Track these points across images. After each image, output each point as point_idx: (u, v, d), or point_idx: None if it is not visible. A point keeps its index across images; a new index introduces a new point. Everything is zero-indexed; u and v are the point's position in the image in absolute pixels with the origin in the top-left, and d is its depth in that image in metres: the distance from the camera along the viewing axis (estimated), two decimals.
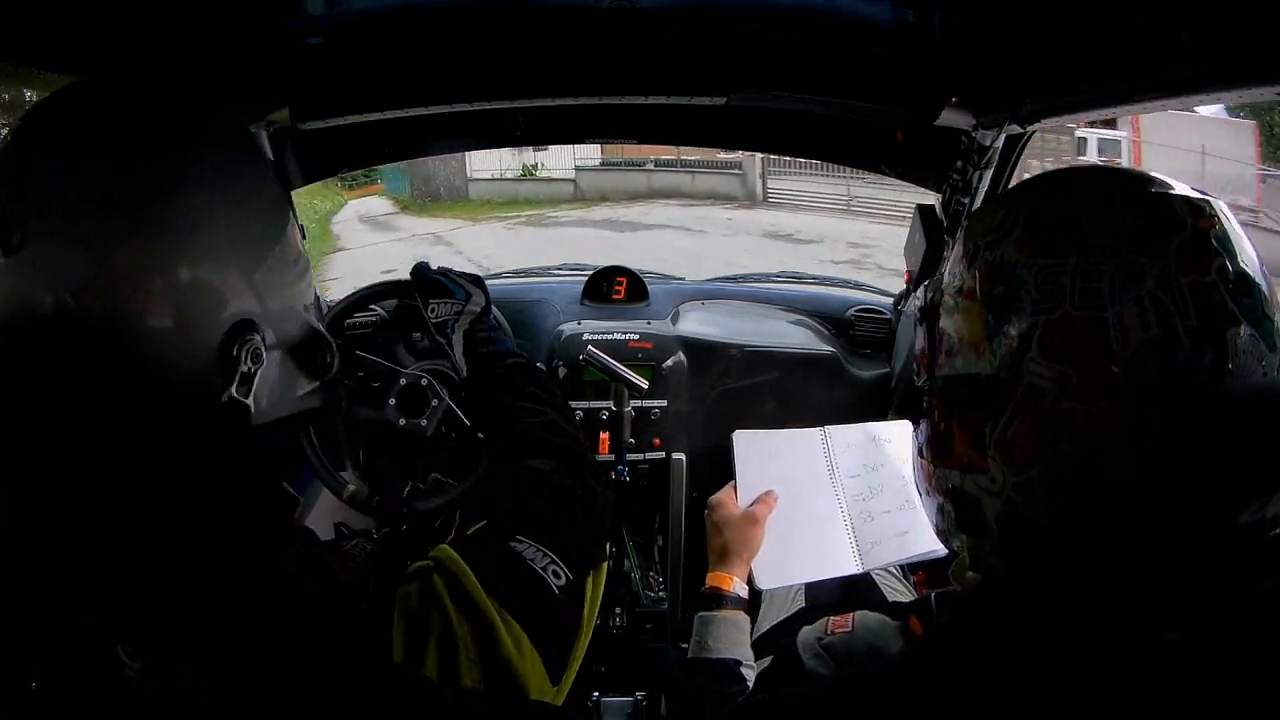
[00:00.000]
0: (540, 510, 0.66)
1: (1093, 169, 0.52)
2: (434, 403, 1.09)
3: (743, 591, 0.87)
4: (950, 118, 0.98)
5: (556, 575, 0.61)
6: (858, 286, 1.69)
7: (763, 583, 0.91)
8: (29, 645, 0.44)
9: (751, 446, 1.00)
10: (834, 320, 1.48)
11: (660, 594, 1.30)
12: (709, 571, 0.90)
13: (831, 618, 0.63)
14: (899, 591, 1.03)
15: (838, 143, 1.33)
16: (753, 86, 0.98)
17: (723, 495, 0.96)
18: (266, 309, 0.54)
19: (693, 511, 1.32)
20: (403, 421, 1.09)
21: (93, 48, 0.70)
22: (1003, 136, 0.99)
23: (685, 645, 1.22)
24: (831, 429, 1.03)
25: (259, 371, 0.52)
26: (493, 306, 0.98)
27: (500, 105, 1.04)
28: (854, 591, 1.02)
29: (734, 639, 0.83)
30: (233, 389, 0.51)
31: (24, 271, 0.46)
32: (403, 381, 1.09)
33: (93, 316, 0.47)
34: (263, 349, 0.52)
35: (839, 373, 1.38)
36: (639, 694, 1.19)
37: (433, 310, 0.93)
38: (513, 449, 0.76)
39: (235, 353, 0.51)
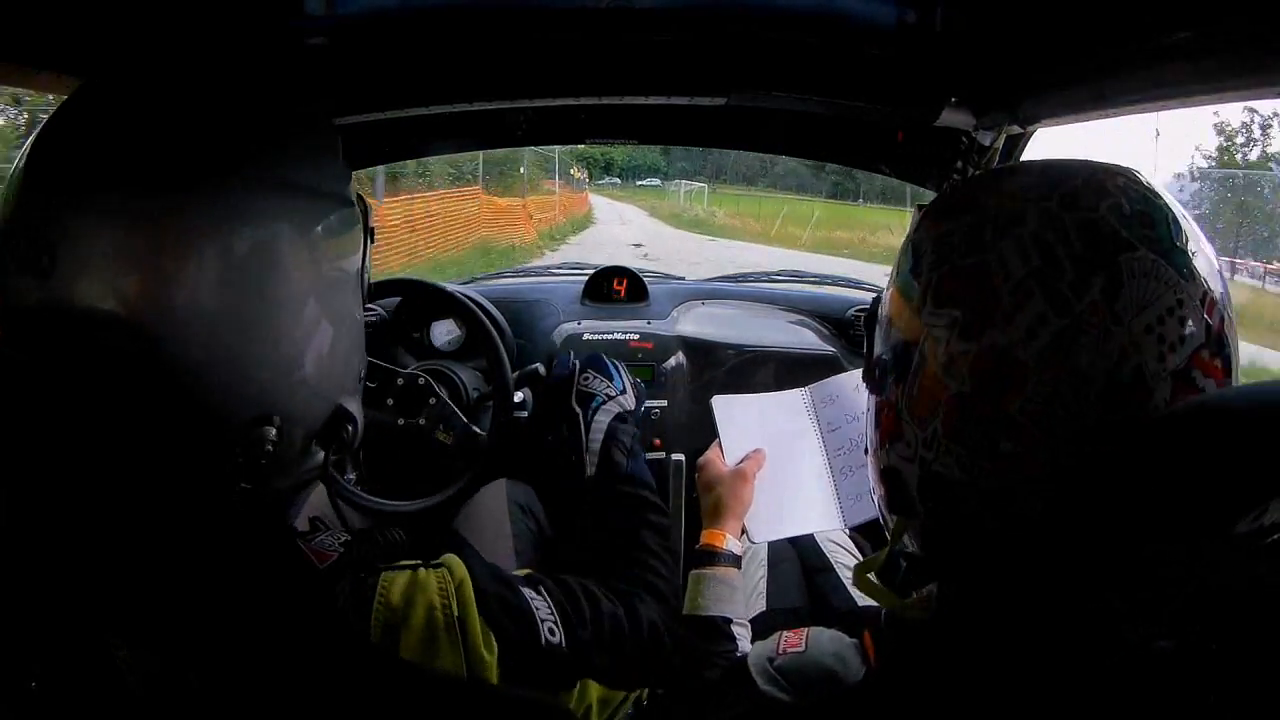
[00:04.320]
0: (575, 598, 0.65)
1: (1022, 162, 0.52)
2: (431, 401, 1.08)
3: (736, 549, 0.87)
4: (950, 118, 0.98)
5: (551, 632, 0.61)
6: (858, 286, 1.69)
7: (757, 536, 0.91)
8: (29, 645, 0.44)
9: (731, 410, 0.99)
10: (834, 320, 1.48)
11: None
12: (702, 529, 0.89)
13: (784, 634, 0.61)
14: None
15: (838, 143, 1.33)
16: (753, 86, 0.98)
17: (710, 455, 0.95)
18: (299, 391, 0.51)
19: (693, 511, 1.31)
20: (401, 421, 1.09)
21: (91, 48, 0.70)
22: (1003, 136, 0.99)
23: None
24: (813, 385, 1.02)
25: (270, 461, 0.49)
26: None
27: (501, 105, 1.04)
28: (818, 594, 1.02)
29: (725, 597, 0.83)
30: (241, 480, 0.48)
31: (50, 293, 0.44)
32: (400, 381, 1.09)
33: (115, 343, 0.44)
34: (276, 445, 0.49)
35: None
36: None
37: (585, 381, 0.90)
38: (603, 571, 0.74)
39: (247, 442, 0.48)
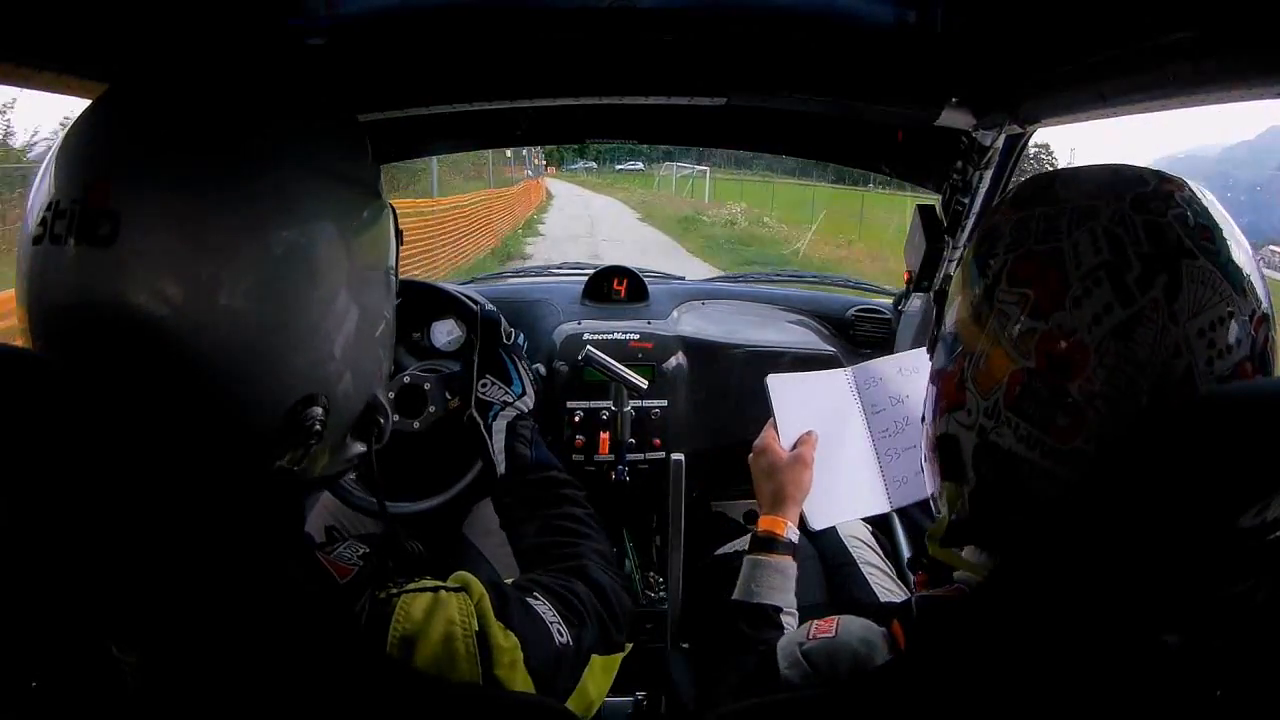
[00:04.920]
0: (554, 590, 0.69)
1: (1094, 164, 0.54)
2: (431, 409, 1.09)
3: (794, 536, 0.88)
4: (950, 118, 0.98)
5: (559, 633, 0.64)
6: (858, 286, 1.69)
7: (816, 523, 0.92)
8: (29, 645, 0.44)
9: (785, 390, 1.01)
10: (834, 320, 1.48)
11: (660, 594, 1.30)
12: (761, 513, 0.90)
13: (815, 621, 0.63)
14: (890, 591, 1.03)
15: (837, 143, 1.33)
16: (753, 87, 0.98)
17: (767, 440, 0.96)
18: (342, 378, 0.53)
19: (693, 511, 1.32)
20: (416, 425, 1.09)
21: (91, 48, 0.70)
22: (1003, 136, 0.99)
23: (685, 645, 1.22)
24: (856, 367, 1.04)
25: (315, 445, 0.51)
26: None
27: (501, 105, 1.04)
28: (843, 588, 1.03)
29: (780, 585, 0.84)
30: (284, 459, 0.49)
31: (111, 266, 0.44)
32: (406, 380, 1.09)
33: (175, 322, 0.44)
34: (325, 425, 0.51)
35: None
36: (639, 694, 1.19)
37: (483, 388, 0.95)
38: (542, 555, 0.79)
39: (296, 425, 0.50)
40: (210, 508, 0.48)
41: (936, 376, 0.57)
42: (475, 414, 0.94)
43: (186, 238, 0.44)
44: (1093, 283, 0.46)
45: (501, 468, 0.90)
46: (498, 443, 0.92)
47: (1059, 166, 0.58)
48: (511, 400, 0.95)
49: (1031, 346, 0.48)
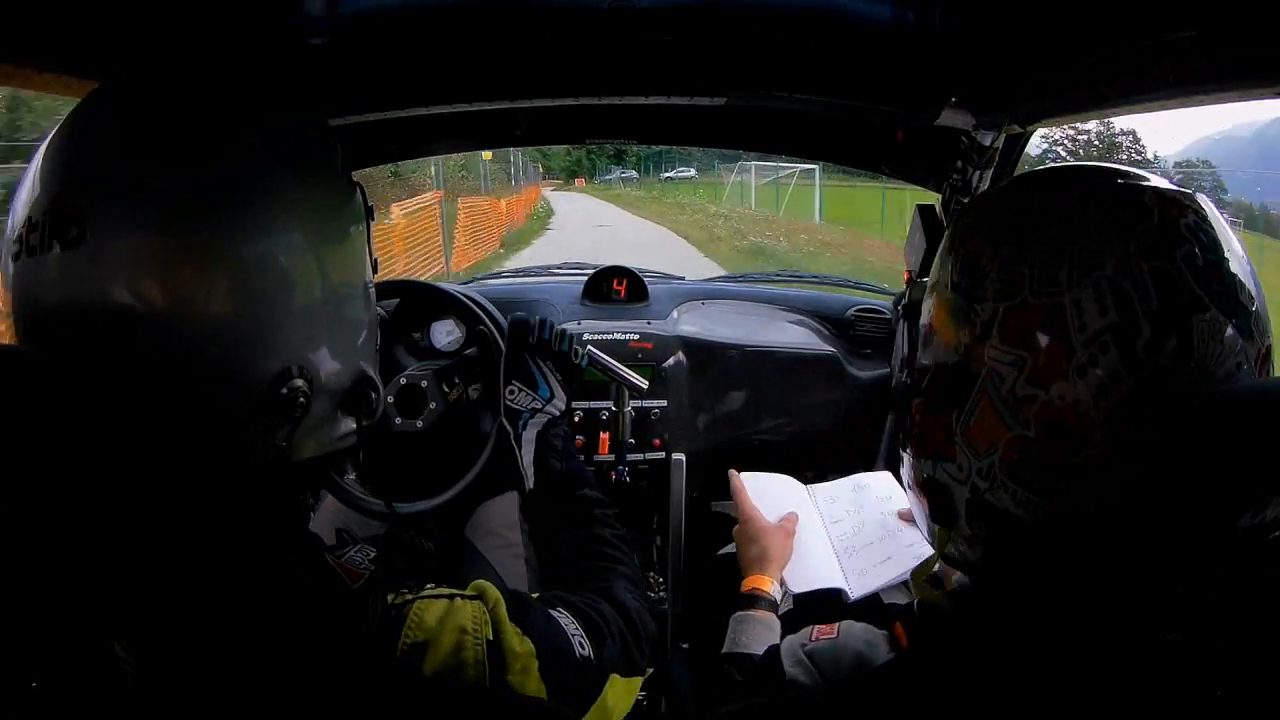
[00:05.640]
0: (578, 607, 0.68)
1: (1071, 168, 0.51)
2: (432, 405, 1.08)
3: (777, 595, 0.93)
4: (950, 118, 0.98)
5: (581, 645, 0.64)
6: (858, 286, 1.69)
7: (794, 587, 0.97)
8: (29, 645, 0.44)
9: (754, 485, 1.07)
10: (834, 320, 1.48)
11: (660, 594, 1.30)
12: (746, 576, 0.96)
13: (816, 625, 0.63)
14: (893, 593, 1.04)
15: (838, 143, 1.33)
16: (752, 86, 0.98)
17: (749, 512, 1.02)
18: (320, 350, 0.53)
19: (693, 511, 1.32)
20: (398, 421, 1.09)
21: (91, 48, 0.70)
22: (1003, 136, 0.99)
23: (685, 645, 1.22)
24: (814, 486, 1.10)
25: (302, 419, 0.51)
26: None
27: (501, 105, 1.04)
28: (838, 590, 1.05)
29: (765, 637, 0.88)
30: (277, 436, 0.50)
31: (81, 266, 0.45)
32: (403, 381, 1.09)
33: (149, 314, 0.46)
34: (309, 398, 0.52)
35: (839, 373, 1.38)
36: (639, 694, 1.19)
37: (510, 395, 0.92)
38: (569, 576, 0.78)
39: (280, 399, 0.50)
40: (202, 502, 0.48)
41: (919, 411, 0.53)
42: (505, 423, 0.91)
43: (153, 231, 0.46)
44: (1099, 349, 0.42)
45: (530, 482, 0.88)
46: (527, 456, 0.89)
47: (1139, 158, 0.52)
48: (540, 406, 0.91)
49: (1030, 416, 0.44)
